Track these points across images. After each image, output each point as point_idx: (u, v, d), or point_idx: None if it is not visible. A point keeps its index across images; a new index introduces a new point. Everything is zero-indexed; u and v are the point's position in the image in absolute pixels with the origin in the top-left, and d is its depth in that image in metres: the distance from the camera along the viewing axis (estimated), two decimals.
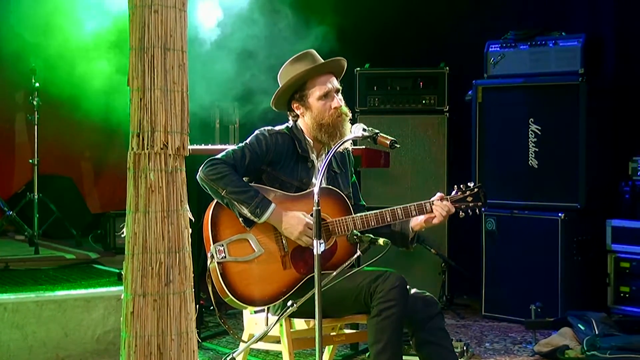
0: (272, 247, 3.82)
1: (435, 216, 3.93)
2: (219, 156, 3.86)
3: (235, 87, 7.18)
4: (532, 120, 6.23)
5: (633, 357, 4.95)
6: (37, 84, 7.12)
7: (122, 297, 3.14)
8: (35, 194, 7.13)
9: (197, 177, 3.83)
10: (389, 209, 3.90)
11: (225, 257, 3.74)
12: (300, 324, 3.91)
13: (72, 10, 6.70)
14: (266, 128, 3.99)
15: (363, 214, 3.92)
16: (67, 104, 6.98)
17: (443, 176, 6.85)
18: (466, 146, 6.64)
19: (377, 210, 3.91)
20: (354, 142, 4.10)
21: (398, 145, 3.69)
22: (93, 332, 5.04)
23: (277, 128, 4.01)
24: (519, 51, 6.36)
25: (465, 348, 5.15)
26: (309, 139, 3.99)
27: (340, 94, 4.00)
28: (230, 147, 3.92)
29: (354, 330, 4.45)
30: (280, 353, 3.91)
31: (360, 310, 3.80)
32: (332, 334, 4.10)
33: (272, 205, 3.77)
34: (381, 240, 3.58)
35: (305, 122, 3.99)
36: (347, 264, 3.63)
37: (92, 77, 6.60)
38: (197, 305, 3.32)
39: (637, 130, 6.35)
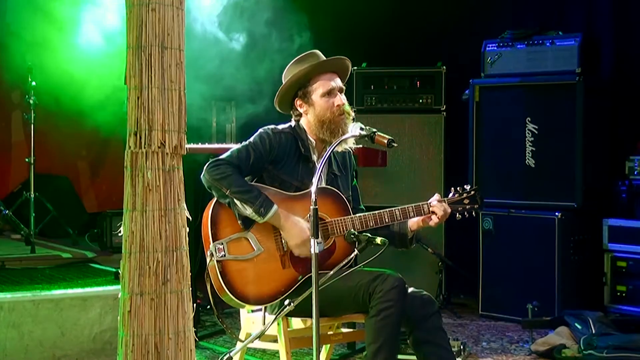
0: (272, 247, 3.81)
1: (432, 218, 3.94)
2: (223, 156, 3.86)
3: (232, 86, 7.18)
4: (529, 119, 6.24)
5: (630, 356, 4.95)
6: (33, 83, 7.11)
7: (119, 296, 3.13)
8: (32, 192, 7.12)
9: (202, 177, 3.83)
10: (387, 210, 3.91)
11: (224, 255, 3.74)
12: (297, 323, 3.90)
13: (69, 9, 6.70)
14: (270, 127, 3.99)
15: (362, 214, 3.93)
16: (63, 102, 6.98)
17: (440, 175, 6.85)
18: (463, 145, 6.64)
19: (376, 211, 3.91)
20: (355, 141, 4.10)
21: (395, 145, 3.69)
22: (90, 331, 5.03)
23: (281, 127, 4.01)
24: (516, 50, 6.36)
25: (462, 347, 5.16)
26: (311, 139, 3.99)
27: (343, 94, 4.00)
28: (235, 147, 3.91)
29: (351, 330, 4.45)
30: (278, 352, 3.91)
31: (358, 310, 3.80)
32: (329, 333, 4.09)
33: (275, 207, 3.77)
34: (378, 239, 3.57)
35: (308, 121, 3.99)
36: (344, 263, 3.63)
37: (89, 76, 6.60)
38: (195, 304, 3.31)
39: (634, 130, 6.35)
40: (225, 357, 3.56)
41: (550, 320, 5.65)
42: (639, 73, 6.53)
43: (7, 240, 7.60)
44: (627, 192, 6.10)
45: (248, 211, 3.76)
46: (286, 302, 3.52)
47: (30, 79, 7.11)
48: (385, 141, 3.67)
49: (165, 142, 3.07)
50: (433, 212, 3.94)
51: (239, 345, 3.84)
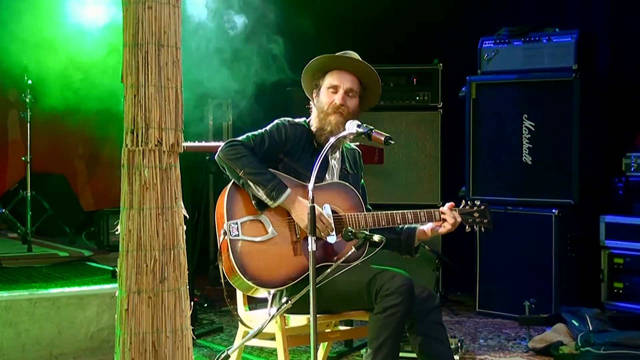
0: (285, 232, 3.82)
1: (442, 225, 3.98)
2: (239, 138, 3.87)
3: (228, 85, 7.17)
4: (526, 116, 6.24)
5: (627, 352, 4.95)
6: (29, 82, 7.10)
7: (116, 294, 3.13)
8: (28, 191, 7.11)
9: (216, 156, 3.84)
10: (399, 211, 3.94)
11: (238, 235, 3.74)
12: (295, 320, 3.90)
13: (66, 6, 6.69)
14: (287, 118, 4.02)
15: (374, 212, 3.96)
16: (59, 101, 6.97)
17: (437, 172, 6.85)
18: (460, 142, 6.64)
19: (388, 212, 3.95)
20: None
21: (392, 142, 3.69)
22: (87, 329, 5.03)
23: (297, 120, 4.04)
24: (513, 47, 6.36)
25: (459, 344, 5.16)
26: (317, 135, 4.01)
27: (353, 100, 4.00)
28: (250, 133, 3.92)
29: (349, 327, 4.45)
30: (275, 350, 3.90)
31: (362, 306, 3.79)
32: (326, 330, 4.10)
33: (288, 190, 3.78)
34: (376, 237, 3.58)
35: (313, 113, 4.02)
36: (345, 257, 3.63)
37: (85, 74, 6.59)
38: (192, 303, 3.31)
39: (630, 126, 6.35)
40: (222, 355, 3.55)
41: (547, 317, 5.65)
42: (635, 69, 6.54)
43: (4, 239, 7.59)
44: (623, 189, 6.10)
45: (260, 193, 3.77)
46: (284, 299, 3.52)
47: (26, 78, 7.10)
48: (382, 138, 3.68)
49: (162, 140, 3.07)
50: (444, 220, 3.96)
51: (236, 342, 3.84)
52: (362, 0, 7.31)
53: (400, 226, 4.05)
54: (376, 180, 6.83)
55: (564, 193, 6.11)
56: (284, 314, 3.79)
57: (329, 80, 3.99)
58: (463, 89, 6.53)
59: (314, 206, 3.36)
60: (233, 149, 3.80)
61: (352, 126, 3.73)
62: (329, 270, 3.55)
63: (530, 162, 6.23)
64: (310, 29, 7.53)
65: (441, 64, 6.89)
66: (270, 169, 3.88)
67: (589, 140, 6.15)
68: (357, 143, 5.44)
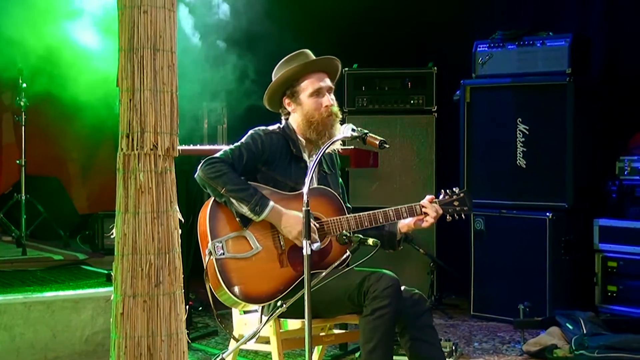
0: (270, 245, 3.82)
1: (424, 219, 3.97)
2: (216, 155, 3.86)
3: (223, 88, 7.17)
4: (520, 120, 6.25)
5: (620, 355, 4.97)
6: (24, 85, 7.09)
7: (111, 298, 3.13)
8: (23, 194, 7.10)
9: (196, 176, 3.83)
10: (381, 210, 3.93)
11: (223, 253, 3.74)
12: (290, 324, 3.91)
13: (60, 10, 6.68)
14: (260, 128, 4.00)
15: (357, 214, 3.94)
16: (54, 104, 6.97)
17: (431, 176, 6.87)
18: (454, 146, 6.65)
19: (370, 212, 3.93)
20: (343, 142, 4.11)
21: (387, 146, 3.70)
22: (82, 333, 5.02)
23: (271, 128, 4.02)
24: (507, 51, 6.38)
25: (454, 348, 5.17)
26: (301, 138, 4.01)
27: (332, 95, 4.01)
28: (227, 147, 3.91)
29: (343, 331, 4.46)
30: (270, 353, 3.91)
31: (353, 310, 3.80)
32: (321, 334, 4.10)
33: (271, 204, 3.78)
34: (370, 241, 3.59)
35: (296, 120, 4.00)
36: (337, 263, 3.64)
37: (80, 78, 6.58)
38: (187, 306, 3.31)
39: (624, 130, 6.37)
40: (217, 359, 3.56)
41: (541, 320, 5.66)
42: (629, 73, 6.56)
43: None
44: (617, 192, 6.12)
45: (244, 209, 3.76)
46: (279, 303, 3.52)
47: (20, 81, 7.09)
48: (377, 142, 3.69)
49: (157, 144, 3.07)
50: (425, 213, 3.96)
51: (231, 346, 3.85)
52: (356, 4, 7.32)
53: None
54: (371, 184, 6.86)
55: (558, 196, 6.12)
56: (279, 318, 3.79)
57: (309, 86, 3.96)
58: (457, 92, 6.55)
59: (308, 210, 3.36)
60: (212, 167, 3.79)
61: (346, 130, 3.72)
62: (323, 274, 3.55)
63: (524, 166, 6.24)
64: (303, 32, 7.53)
65: (435, 68, 6.91)
66: (250, 182, 3.88)
67: (582, 143, 6.17)
68: (352, 147, 5.47)
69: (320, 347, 4.23)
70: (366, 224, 3.91)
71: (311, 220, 3.80)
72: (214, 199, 3.83)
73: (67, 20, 6.72)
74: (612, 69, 6.64)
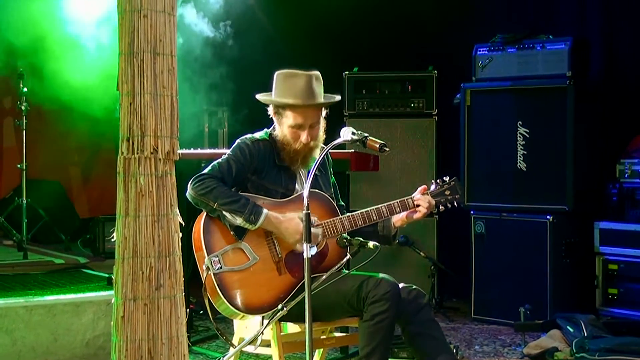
0: (266, 254, 3.82)
1: (417, 211, 3.97)
2: (205, 171, 3.85)
3: (224, 92, 7.18)
4: (520, 123, 6.25)
5: (621, 358, 4.96)
6: (25, 89, 7.10)
7: (112, 301, 3.14)
8: (24, 198, 7.11)
9: (187, 194, 3.82)
10: (373, 207, 3.94)
11: (221, 267, 3.74)
12: (290, 327, 3.91)
13: (60, 14, 6.70)
14: (247, 136, 3.98)
15: (350, 214, 3.94)
16: (55, 108, 6.98)
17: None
18: (455, 149, 6.66)
19: (363, 210, 3.93)
20: (343, 145, 4.11)
21: (387, 149, 3.70)
22: (83, 336, 5.03)
23: (257, 135, 4.00)
24: (507, 54, 6.38)
25: (455, 351, 5.16)
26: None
27: (319, 126, 3.94)
28: (215, 161, 3.91)
29: (344, 334, 4.46)
30: (271, 357, 3.91)
31: (352, 314, 3.81)
32: (322, 337, 4.10)
33: (265, 211, 3.77)
34: (371, 244, 3.60)
35: (278, 132, 3.97)
36: (337, 267, 3.64)
37: (81, 82, 6.59)
38: (187, 310, 3.32)
39: (625, 133, 6.37)
40: None
41: (542, 323, 5.66)
42: (629, 76, 6.56)
43: None
44: (618, 195, 6.12)
45: (238, 221, 3.76)
46: (279, 306, 3.53)
47: (21, 85, 7.10)
48: (377, 146, 3.69)
49: (157, 147, 3.08)
50: (417, 205, 3.98)
51: (232, 350, 3.85)
52: (357, 8, 7.33)
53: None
54: (371, 187, 6.86)
55: (559, 199, 6.13)
56: (280, 321, 3.80)
57: (291, 118, 3.90)
58: (457, 96, 6.55)
59: (309, 213, 3.37)
60: (201, 184, 3.78)
61: (347, 133, 3.72)
62: (324, 277, 3.55)
63: (524, 169, 6.25)
64: (304, 36, 7.55)
65: (436, 71, 6.92)
66: (242, 192, 3.87)
67: (583, 146, 6.17)
68: (352, 150, 5.48)
69: (321, 350, 4.23)
70: (360, 223, 3.92)
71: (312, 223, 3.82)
72: (206, 215, 3.82)
73: (68, 25, 6.73)
74: (611, 72, 6.64)
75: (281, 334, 3.84)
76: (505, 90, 6.35)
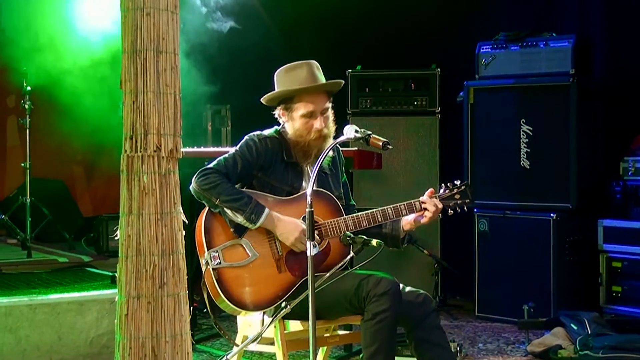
0: (266, 252, 3.82)
1: (424, 215, 3.95)
2: (210, 165, 3.86)
3: (228, 89, 7.18)
4: (524, 120, 6.25)
5: (625, 356, 4.96)
6: (28, 88, 7.11)
7: (115, 299, 3.14)
8: (28, 197, 7.12)
9: (191, 187, 3.83)
10: (379, 209, 3.93)
11: (220, 263, 3.74)
12: (294, 325, 3.91)
13: (64, 13, 6.70)
14: (255, 133, 3.98)
15: (354, 215, 3.93)
16: (58, 107, 6.98)
17: (435, 177, 6.86)
18: (458, 147, 6.66)
19: (369, 211, 3.93)
20: (347, 143, 4.10)
21: (390, 147, 3.70)
22: (87, 335, 5.04)
23: (266, 132, 4.00)
24: (510, 52, 6.38)
25: (458, 349, 5.17)
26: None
27: (329, 113, 3.97)
28: (222, 156, 3.91)
29: (348, 332, 4.46)
30: (274, 355, 3.91)
31: (354, 312, 3.80)
32: (325, 335, 4.10)
33: (267, 211, 3.77)
34: (374, 242, 3.59)
35: (288, 129, 3.98)
36: (339, 265, 3.64)
37: (84, 81, 6.60)
38: (191, 307, 3.32)
39: (628, 130, 6.36)
40: None
41: (546, 321, 5.66)
42: (632, 74, 6.54)
43: (4, 245, 7.60)
44: (621, 193, 6.11)
45: (239, 219, 3.76)
46: (283, 304, 3.53)
47: (25, 84, 7.11)
48: (380, 143, 3.68)
49: (160, 145, 3.08)
50: (425, 209, 3.95)
51: (235, 348, 3.85)
52: (359, 6, 7.33)
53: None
54: (374, 185, 6.85)
55: (562, 197, 6.12)
56: (283, 319, 3.80)
57: (302, 107, 3.91)
58: (461, 93, 6.55)
59: (312, 211, 3.37)
60: (206, 179, 3.79)
61: (350, 131, 3.72)
62: (326, 275, 3.55)
63: (528, 167, 6.24)
64: (307, 34, 7.55)
65: (439, 69, 6.91)
66: (246, 188, 3.88)
67: (586, 144, 6.16)
68: (355, 148, 5.48)
69: (325, 348, 4.23)
70: (365, 224, 3.91)
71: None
72: (209, 209, 3.83)
73: (72, 23, 6.74)
74: (615, 70, 6.64)
75: (285, 332, 3.84)
76: (509, 88, 6.34)
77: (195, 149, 5.53)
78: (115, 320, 3.14)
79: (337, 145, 4.07)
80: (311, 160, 3.94)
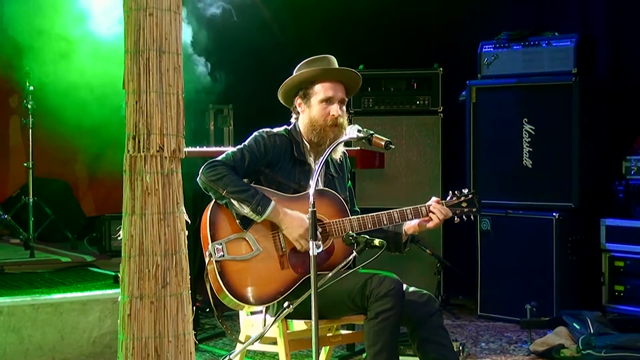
0: (270, 247, 3.82)
1: (430, 220, 3.95)
2: (218, 158, 3.88)
3: (229, 90, 7.19)
4: (526, 120, 6.25)
5: (628, 355, 4.96)
6: (31, 87, 7.12)
7: (118, 299, 3.14)
8: (30, 197, 7.13)
9: (198, 179, 3.84)
10: (385, 212, 3.93)
11: (223, 255, 3.75)
12: (297, 325, 3.91)
13: (66, 13, 6.71)
14: (264, 129, 4.01)
15: (360, 216, 3.94)
16: (61, 107, 6.99)
17: (437, 177, 6.87)
18: (460, 146, 6.66)
19: (374, 213, 3.93)
20: (349, 143, 4.11)
21: (393, 146, 3.70)
22: (89, 335, 5.04)
23: (276, 130, 4.02)
24: (512, 51, 6.38)
25: (461, 348, 5.16)
26: (306, 142, 4.01)
27: (344, 107, 4.01)
28: (230, 150, 3.93)
29: (350, 331, 4.46)
30: (277, 354, 3.92)
31: (357, 312, 3.81)
32: (328, 334, 4.11)
33: (273, 203, 3.78)
34: (377, 241, 3.59)
35: (303, 122, 4.01)
36: (342, 265, 3.64)
37: (87, 80, 6.60)
38: (194, 307, 3.32)
39: (630, 130, 6.37)
40: None
41: (548, 320, 5.66)
42: (635, 73, 6.55)
43: (6, 245, 7.61)
44: (624, 192, 6.11)
45: (246, 210, 3.77)
46: (285, 304, 3.53)
47: (28, 84, 7.12)
48: (383, 143, 3.69)
49: (163, 145, 3.08)
50: (431, 213, 3.95)
51: (238, 347, 3.85)
52: (362, 5, 7.33)
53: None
54: (377, 184, 6.86)
55: (565, 196, 6.12)
56: (286, 319, 3.80)
57: (321, 91, 3.96)
58: (463, 93, 6.55)
59: (314, 211, 3.37)
60: (213, 170, 3.81)
61: (352, 131, 3.72)
62: (329, 275, 3.55)
63: (530, 166, 6.24)
64: (309, 33, 7.55)
65: (441, 69, 6.91)
66: (253, 184, 3.89)
67: (589, 143, 6.16)
68: (358, 147, 5.48)
69: (327, 347, 4.23)
70: (369, 226, 3.91)
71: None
72: (215, 202, 3.84)
73: (75, 22, 6.74)
74: (617, 69, 6.64)
75: (287, 331, 3.84)
76: (511, 88, 6.34)
77: (198, 149, 5.53)
78: (118, 320, 3.14)
79: (344, 150, 4.09)
80: (326, 147, 3.94)
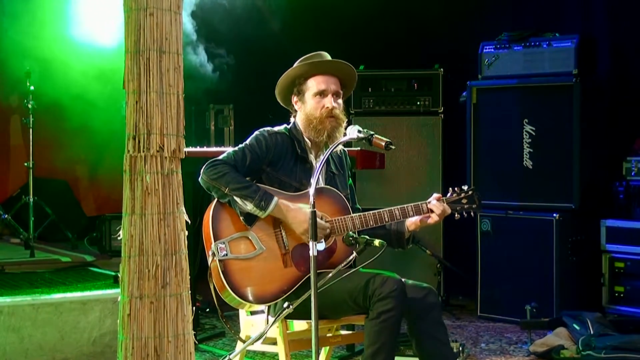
0: (273, 246, 3.83)
1: (430, 216, 3.96)
2: (219, 157, 3.88)
3: (230, 90, 7.19)
4: (527, 121, 6.25)
5: (628, 356, 4.96)
6: (32, 87, 7.12)
7: (118, 299, 3.15)
8: (31, 197, 7.13)
9: (200, 179, 3.85)
10: (386, 209, 3.93)
11: (226, 254, 3.75)
12: (297, 325, 3.91)
13: (66, 13, 6.72)
14: (266, 128, 4.02)
15: (362, 213, 3.94)
16: (61, 106, 6.99)
17: (438, 177, 6.87)
18: (461, 147, 6.66)
19: (375, 211, 3.93)
20: (349, 143, 4.11)
21: (393, 147, 3.70)
22: (89, 334, 5.04)
23: (276, 128, 4.03)
24: (513, 52, 6.37)
25: (461, 349, 5.17)
26: (307, 139, 4.01)
27: (339, 100, 4.01)
28: (231, 149, 3.93)
29: (350, 332, 4.46)
30: (277, 355, 3.92)
31: (358, 312, 3.81)
32: (328, 335, 4.11)
33: (276, 198, 3.79)
34: (377, 242, 3.59)
35: (301, 119, 4.02)
36: (344, 264, 3.64)
37: (87, 80, 6.61)
38: (194, 307, 3.32)
39: (631, 130, 6.37)
40: None
41: (548, 321, 5.66)
42: (635, 74, 6.55)
43: (7, 245, 7.62)
44: (624, 193, 6.11)
45: (249, 206, 3.78)
46: (285, 304, 3.53)
47: (28, 83, 7.12)
48: (383, 143, 3.69)
49: (163, 146, 3.08)
50: (431, 211, 3.96)
51: (238, 347, 3.86)
52: (362, 6, 7.33)
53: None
54: (377, 185, 6.86)
55: (565, 197, 6.12)
56: (286, 319, 3.80)
57: (314, 85, 3.98)
58: (464, 93, 6.55)
59: (314, 211, 3.37)
60: (214, 169, 3.82)
61: (352, 131, 3.73)
62: (330, 275, 3.55)
63: (531, 167, 6.24)
64: (309, 33, 7.55)
65: (442, 69, 6.91)
66: (255, 182, 3.89)
67: (589, 144, 6.16)
68: (358, 148, 5.48)
69: (327, 348, 4.23)
70: (371, 223, 3.92)
71: (320, 220, 3.82)
72: (217, 201, 3.84)
73: (75, 23, 6.75)
74: (618, 70, 6.64)
75: (287, 331, 3.84)
76: (512, 88, 6.34)
77: (199, 149, 5.53)
78: (118, 320, 3.14)
79: (344, 148, 4.09)
80: (321, 148, 3.97)
